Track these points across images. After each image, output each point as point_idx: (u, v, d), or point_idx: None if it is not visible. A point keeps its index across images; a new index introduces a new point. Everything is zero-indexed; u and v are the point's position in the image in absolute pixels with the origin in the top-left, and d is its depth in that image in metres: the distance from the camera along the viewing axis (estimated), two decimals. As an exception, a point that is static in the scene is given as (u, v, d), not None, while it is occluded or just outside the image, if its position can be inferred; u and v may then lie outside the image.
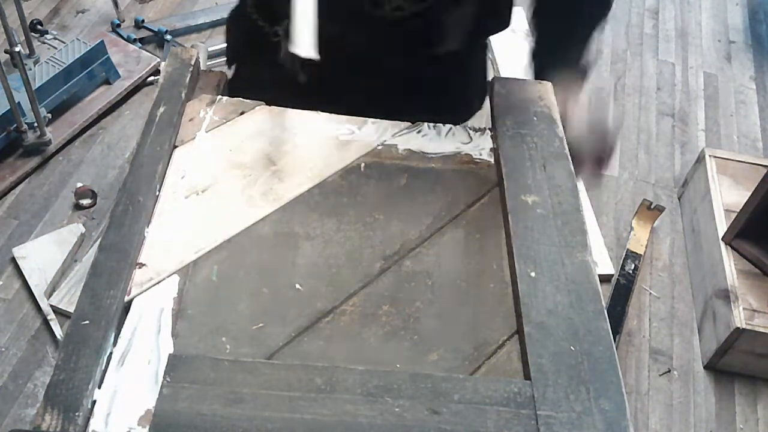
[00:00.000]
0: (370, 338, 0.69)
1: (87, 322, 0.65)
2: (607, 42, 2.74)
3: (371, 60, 0.96)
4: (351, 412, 0.62)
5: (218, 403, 0.61)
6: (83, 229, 1.87)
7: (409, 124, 0.90)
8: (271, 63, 1.02)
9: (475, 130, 0.91)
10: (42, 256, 1.80)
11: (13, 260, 1.80)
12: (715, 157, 2.08)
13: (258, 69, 1.05)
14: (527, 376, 0.66)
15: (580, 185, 0.85)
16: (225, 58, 1.18)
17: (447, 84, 1.04)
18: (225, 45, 1.18)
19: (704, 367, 1.83)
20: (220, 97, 0.91)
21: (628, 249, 2.01)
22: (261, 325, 0.69)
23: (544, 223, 0.78)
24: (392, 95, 0.99)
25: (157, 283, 0.71)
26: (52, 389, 0.60)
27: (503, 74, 1.11)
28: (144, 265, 0.72)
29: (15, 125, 1.94)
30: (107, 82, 2.20)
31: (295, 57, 0.99)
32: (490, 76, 1.13)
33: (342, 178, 0.83)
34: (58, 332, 1.67)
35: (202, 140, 0.85)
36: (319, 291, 0.72)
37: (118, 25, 2.45)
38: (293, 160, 0.84)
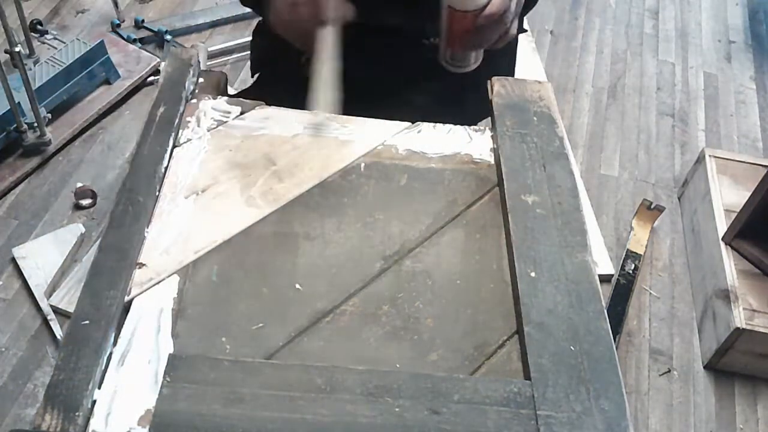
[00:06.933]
0: (370, 338, 0.69)
1: (87, 322, 0.65)
2: (607, 42, 2.74)
3: (405, 61, 0.96)
4: (351, 412, 0.62)
5: (218, 403, 0.61)
6: (83, 229, 1.87)
7: (409, 123, 0.90)
8: (293, 72, 1.02)
9: (475, 130, 0.91)
10: (42, 256, 1.80)
11: (13, 260, 1.80)
12: (715, 157, 2.07)
13: (280, 78, 1.06)
14: (527, 376, 0.66)
15: (580, 185, 0.85)
16: (225, 58, 1.19)
17: (476, 81, 1.03)
18: (225, 45, 1.19)
19: (704, 367, 1.82)
20: (220, 97, 0.91)
21: (628, 249, 2.00)
22: (261, 325, 0.69)
23: (544, 223, 0.78)
24: (422, 96, 0.99)
25: (157, 283, 0.71)
26: (52, 389, 0.60)
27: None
28: (144, 265, 0.72)
29: (15, 125, 1.93)
30: (107, 82, 2.20)
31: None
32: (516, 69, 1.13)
33: (342, 178, 0.83)
34: (58, 332, 1.67)
35: (202, 140, 0.85)
36: (319, 291, 0.72)
37: (118, 25, 2.45)
38: (293, 160, 0.84)
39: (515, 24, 0.87)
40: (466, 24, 0.86)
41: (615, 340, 1.78)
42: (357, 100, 0.90)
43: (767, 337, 1.70)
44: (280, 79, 1.08)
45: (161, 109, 0.85)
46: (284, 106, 0.91)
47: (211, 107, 0.89)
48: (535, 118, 0.89)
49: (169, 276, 0.72)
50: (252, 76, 1.21)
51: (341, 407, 0.62)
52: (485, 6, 0.84)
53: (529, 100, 0.92)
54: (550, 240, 0.76)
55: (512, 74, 1.15)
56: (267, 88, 1.10)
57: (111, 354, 0.65)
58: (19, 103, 1.89)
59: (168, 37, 2.41)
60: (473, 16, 0.85)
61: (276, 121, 0.89)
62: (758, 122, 2.51)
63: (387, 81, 0.97)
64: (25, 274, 1.76)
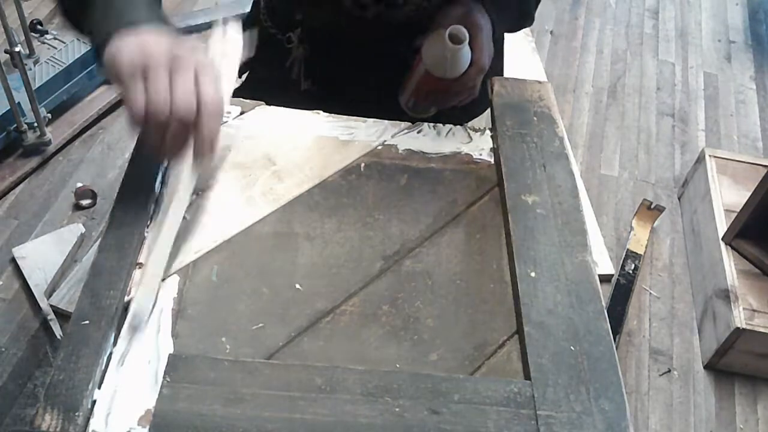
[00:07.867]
0: (370, 338, 0.69)
1: (87, 322, 0.65)
2: (607, 42, 2.74)
3: (382, 62, 0.95)
4: (351, 412, 0.62)
5: (218, 403, 0.61)
6: (83, 229, 1.87)
7: (409, 124, 0.90)
8: (279, 68, 1.02)
9: (475, 130, 0.91)
10: (42, 256, 1.80)
11: (13, 260, 1.80)
12: (715, 157, 2.07)
13: (266, 73, 1.06)
14: (527, 376, 0.66)
15: (580, 185, 0.85)
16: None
17: None
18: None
19: (704, 367, 1.83)
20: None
21: (628, 249, 2.01)
22: (261, 325, 0.69)
23: (544, 223, 0.78)
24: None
25: (157, 283, 0.71)
26: (52, 389, 0.60)
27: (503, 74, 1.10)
28: (144, 265, 0.72)
29: (15, 125, 1.93)
30: (107, 82, 2.20)
31: (302, 63, 1.00)
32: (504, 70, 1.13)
33: (342, 178, 0.83)
34: (58, 332, 1.67)
35: (202, 140, 0.85)
36: (319, 291, 0.72)
37: (118, 25, 2.45)
38: (293, 160, 0.84)
39: (479, 86, 0.90)
40: (439, 87, 0.87)
41: (615, 340, 1.78)
42: (348, 103, 0.90)
43: (767, 337, 1.70)
44: (265, 73, 1.08)
45: (161, 109, 0.85)
46: (270, 100, 0.91)
47: (211, 107, 0.89)
48: (535, 118, 0.89)
49: (169, 276, 0.72)
50: (239, 76, 1.20)
51: (341, 407, 0.62)
52: (462, 74, 0.85)
53: (529, 100, 0.92)
54: (550, 240, 0.76)
55: (501, 74, 1.15)
56: (254, 83, 1.09)
57: (111, 354, 0.65)
58: (19, 103, 1.89)
59: (168, 37, 2.41)
60: (448, 83, 0.86)
61: (276, 121, 0.89)
62: (758, 122, 2.51)
63: (377, 82, 0.96)
64: (25, 274, 1.76)
